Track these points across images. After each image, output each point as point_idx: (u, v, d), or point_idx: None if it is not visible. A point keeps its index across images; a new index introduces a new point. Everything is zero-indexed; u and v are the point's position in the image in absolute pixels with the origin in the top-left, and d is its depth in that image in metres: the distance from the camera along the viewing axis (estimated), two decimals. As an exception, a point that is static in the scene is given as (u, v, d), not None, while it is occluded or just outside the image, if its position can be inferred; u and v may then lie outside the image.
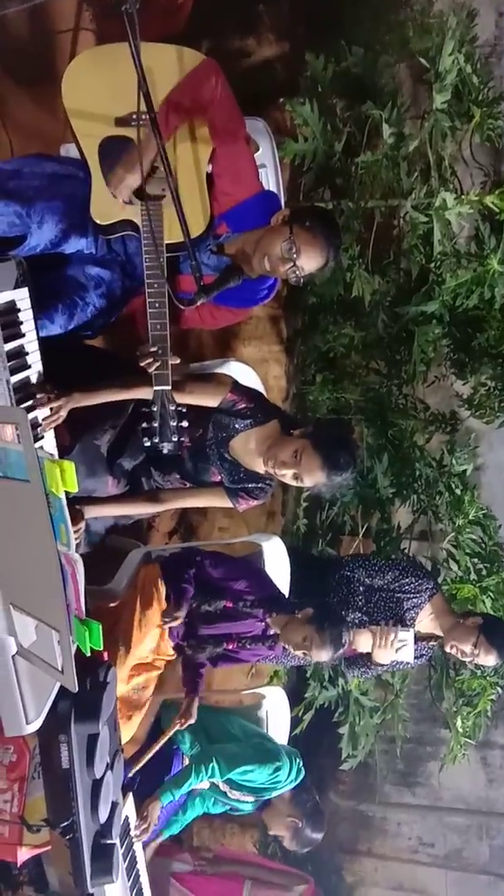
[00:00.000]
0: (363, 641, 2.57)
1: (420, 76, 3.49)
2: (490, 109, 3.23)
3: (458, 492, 3.51)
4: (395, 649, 2.53)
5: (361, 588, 2.69)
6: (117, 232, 1.96)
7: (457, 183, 3.42)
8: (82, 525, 1.97)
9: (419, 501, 3.66)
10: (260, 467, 2.06)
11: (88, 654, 1.31)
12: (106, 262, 2.03)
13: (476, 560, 3.50)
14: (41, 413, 1.78)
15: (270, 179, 2.51)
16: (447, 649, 2.58)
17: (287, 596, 2.58)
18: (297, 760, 2.65)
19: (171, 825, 2.52)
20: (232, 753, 2.53)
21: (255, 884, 2.79)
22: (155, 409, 1.92)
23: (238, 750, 2.55)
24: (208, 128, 1.92)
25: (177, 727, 2.35)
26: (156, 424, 1.93)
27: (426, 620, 2.64)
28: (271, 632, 2.40)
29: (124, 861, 2.06)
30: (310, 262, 1.93)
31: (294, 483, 2.00)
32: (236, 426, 2.05)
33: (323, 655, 2.29)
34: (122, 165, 1.88)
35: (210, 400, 2.04)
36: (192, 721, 2.34)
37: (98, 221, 1.94)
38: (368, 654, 2.62)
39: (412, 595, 2.63)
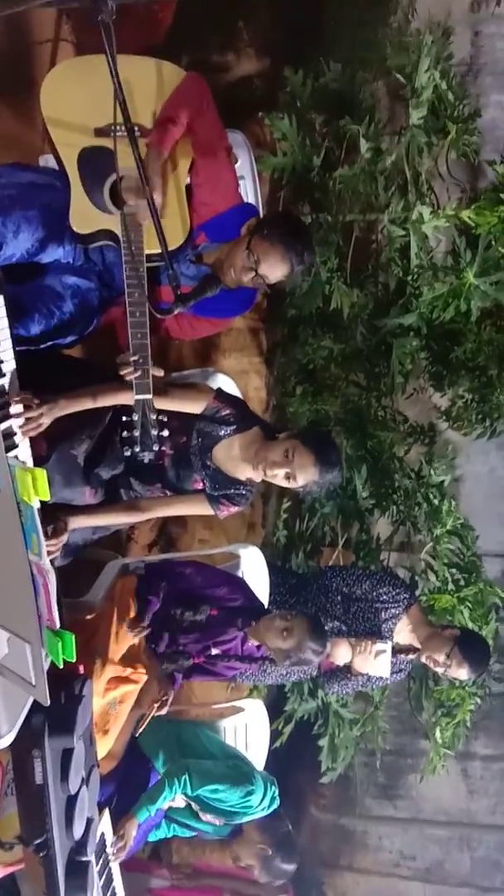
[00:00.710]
0: (341, 653, 2.57)
1: (397, 93, 3.54)
2: (466, 125, 3.28)
3: (436, 502, 3.52)
4: (374, 655, 2.53)
5: (339, 598, 2.70)
6: (96, 241, 1.96)
7: (433, 198, 3.46)
8: (65, 537, 1.95)
9: (398, 512, 3.68)
10: (242, 474, 2.06)
11: (61, 666, 1.29)
12: (83, 271, 2.03)
13: (454, 570, 3.51)
14: (16, 422, 1.76)
15: (249, 191, 2.52)
16: (422, 659, 2.60)
17: (266, 607, 2.57)
18: (273, 788, 2.57)
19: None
20: (205, 769, 2.48)
21: (233, 896, 2.75)
22: (136, 417, 1.91)
23: (211, 767, 2.51)
24: (191, 139, 1.94)
25: (151, 713, 2.28)
26: (136, 433, 1.93)
27: (404, 632, 2.65)
28: (250, 643, 2.39)
29: (100, 878, 2.03)
30: (272, 269, 1.95)
31: (285, 483, 2.00)
32: (220, 433, 2.05)
33: (307, 658, 2.27)
34: (126, 192, 1.86)
35: (193, 406, 2.04)
36: (164, 711, 2.26)
37: (77, 230, 1.93)
38: (346, 667, 2.62)
39: (390, 605, 2.64)
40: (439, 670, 2.59)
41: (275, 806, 2.57)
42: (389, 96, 3.69)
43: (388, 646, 2.55)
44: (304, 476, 1.98)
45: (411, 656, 2.71)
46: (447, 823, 4.83)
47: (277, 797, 2.59)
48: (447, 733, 3.45)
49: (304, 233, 2.07)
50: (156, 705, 2.22)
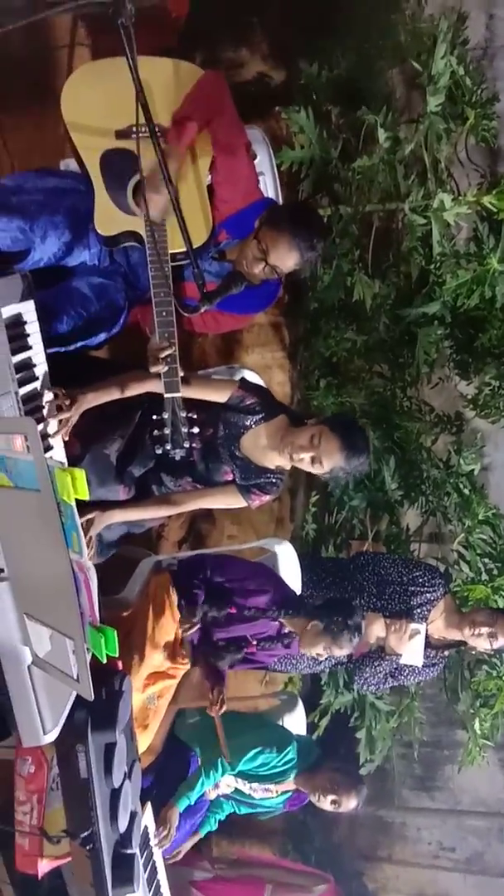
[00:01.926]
0: (376, 630, 2.56)
1: (413, 80, 3.51)
2: (484, 110, 3.25)
3: (466, 492, 3.50)
4: (409, 635, 2.52)
5: (375, 578, 2.71)
6: (121, 243, 1.98)
7: (454, 184, 3.43)
8: (94, 532, 1.98)
9: (427, 503, 3.66)
10: (270, 462, 2.07)
11: (104, 661, 1.31)
12: (109, 273, 2.05)
13: (487, 560, 3.49)
14: (51, 423, 1.79)
15: (269, 187, 2.53)
16: (465, 631, 2.57)
17: (302, 590, 2.59)
18: (309, 739, 2.63)
19: (204, 825, 2.51)
20: (239, 744, 2.52)
21: (276, 887, 2.77)
22: (166, 416, 1.93)
23: (245, 740, 2.55)
24: (211, 137, 1.95)
25: (217, 716, 2.33)
26: (167, 432, 1.94)
27: (438, 621, 2.64)
28: (286, 630, 2.40)
29: (145, 871, 2.06)
30: (280, 258, 1.95)
31: (311, 468, 2.00)
32: (246, 422, 2.06)
33: (345, 652, 2.31)
34: (149, 188, 1.87)
35: (218, 395, 2.05)
36: (224, 709, 2.32)
37: (102, 233, 1.96)
38: (379, 652, 2.62)
39: (425, 590, 2.64)
40: (483, 641, 2.55)
41: (315, 754, 2.62)
42: (405, 84, 3.66)
43: (422, 627, 2.55)
44: (330, 461, 1.97)
45: (445, 652, 2.70)
46: (486, 814, 4.80)
47: (316, 747, 2.66)
48: (486, 724, 3.43)
49: (313, 219, 2.05)
50: (216, 708, 2.27)
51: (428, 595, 2.64)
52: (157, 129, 1.76)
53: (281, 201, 2.54)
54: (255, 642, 2.38)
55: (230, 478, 2.13)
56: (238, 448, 2.09)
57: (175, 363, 1.89)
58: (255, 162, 2.32)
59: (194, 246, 1.91)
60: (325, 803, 2.53)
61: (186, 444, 1.96)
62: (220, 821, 2.67)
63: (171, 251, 1.93)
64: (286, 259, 1.95)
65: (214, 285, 2.00)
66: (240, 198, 2.01)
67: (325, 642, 2.29)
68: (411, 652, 2.57)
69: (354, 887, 4.56)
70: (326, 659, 2.42)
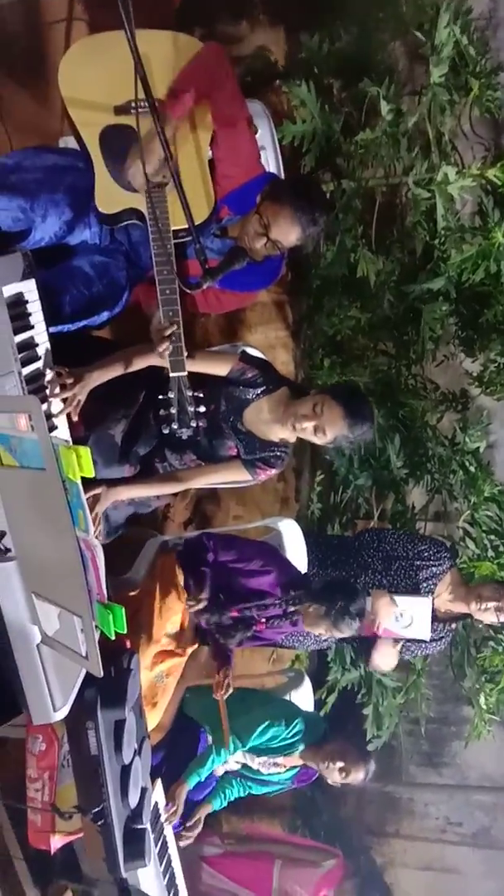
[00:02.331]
0: (382, 605, 2.56)
1: (415, 53, 3.45)
2: (488, 80, 3.19)
3: (472, 469, 3.49)
4: (395, 615, 2.53)
5: (380, 555, 2.71)
6: (122, 221, 1.96)
7: (458, 157, 3.38)
8: (100, 508, 1.98)
9: (433, 481, 3.65)
10: (274, 435, 2.06)
11: (113, 638, 1.32)
12: (110, 251, 2.03)
13: (493, 537, 3.49)
14: (55, 403, 1.79)
15: (270, 161, 2.50)
16: (471, 605, 2.57)
17: (309, 568, 2.59)
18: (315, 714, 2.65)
19: (216, 798, 2.54)
20: (248, 720, 2.54)
21: (286, 862, 2.80)
22: (172, 395, 1.92)
23: (253, 715, 2.57)
24: (211, 111, 1.92)
25: (222, 698, 2.35)
26: (173, 411, 1.93)
27: (444, 595, 2.64)
28: (291, 608, 2.41)
29: (156, 846, 2.08)
30: (282, 233, 1.92)
31: (314, 438, 1.99)
32: (248, 396, 2.05)
33: (345, 634, 2.31)
34: (129, 156, 1.85)
35: (219, 368, 2.04)
36: (231, 690, 2.34)
37: (102, 211, 1.93)
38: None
39: (431, 563, 2.64)
40: (490, 615, 2.56)
41: (323, 728, 2.65)
42: (408, 56, 3.60)
43: (429, 600, 2.55)
44: (333, 430, 1.96)
45: (452, 625, 2.71)
46: (492, 789, 4.84)
47: (323, 722, 2.70)
48: (491, 699, 3.44)
49: (315, 193, 2.02)
50: (221, 692, 2.28)
51: (434, 569, 2.64)
52: (156, 104, 1.73)
53: (283, 176, 2.51)
54: (263, 620, 2.39)
55: (234, 453, 2.12)
56: (241, 422, 2.08)
57: (180, 342, 1.88)
58: (257, 136, 2.28)
59: (196, 222, 1.88)
60: (334, 772, 2.54)
61: (193, 423, 1.95)
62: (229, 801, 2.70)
63: (172, 228, 1.91)
64: (288, 234, 1.92)
65: (217, 262, 1.98)
66: (241, 173, 1.98)
67: (326, 625, 2.30)
68: (419, 626, 2.58)
69: (363, 862, 4.62)
70: (330, 637, 2.43)
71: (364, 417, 1.99)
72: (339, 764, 2.51)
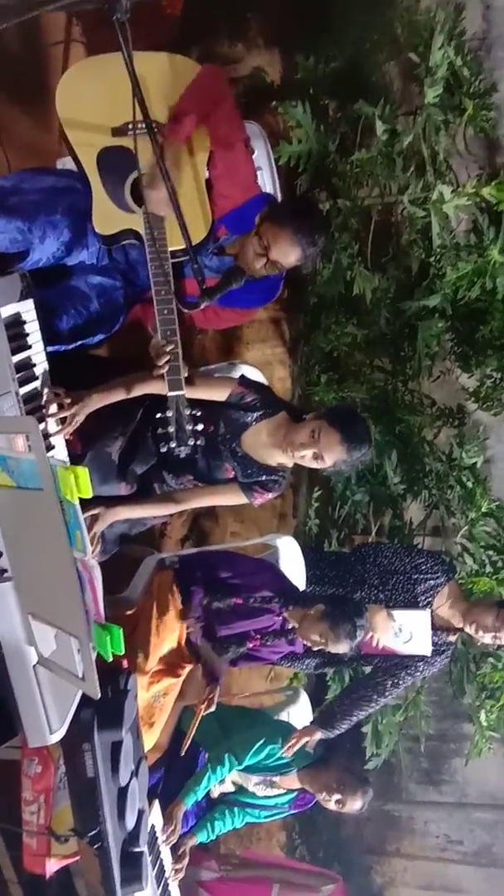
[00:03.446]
0: (380, 622, 2.56)
1: (410, 73, 3.49)
2: (482, 101, 3.23)
3: (469, 485, 3.49)
4: (405, 635, 2.52)
5: (377, 569, 2.70)
6: (120, 241, 1.97)
7: (453, 176, 3.42)
8: (98, 529, 1.98)
9: (430, 496, 3.65)
10: (272, 459, 2.06)
11: (110, 660, 1.31)
12: (108, 270, 2.04)
13: (491, 552, 3.48)
14: (52, 422, 1.79)
15: (267, 182, 2.52)
16: (467, 627, 2.56)
17: (305, 585, 2.58)
18: None
19: (201, 830, 2.51)
20: (245, 738, 2.53)
21: (283, 887, 2.76)
22: (170, 414, 1.92)
23: (250, 732, 2.56)
24: (209, 132, 1.94)
25: (201, 713, 2.33)
26: (171, 430, 1.93)
27: (443, 608, 2.63)
28: (290, 626, 2.40)
29: (153, 869, 2.06)
30: (282, 254, 1.93)
31: (314, 464, 1.99)
32: (246, 420, 2.05)
33: (341, 648, 2.29)
34: (148, 186, 1.86)
35: (218, 393, 2.05)
36: (212, 708, 2.32)
37: (100, 232, 1.95)
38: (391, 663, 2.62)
39: (428, 576, 2.63)
40: (487, 638, 2.54)
41: (319, 750, 2.63)
42: (402, 77, 3.65)
43: (426, 615, 2.54)
44: (331, 455, 1.96)
45: (451, 637, 2.69)
46: (493, 806, 4.81)
47: (320, 744, 2.66)
48: (492, 716, 3.43)
49: (314, 215, 2.04)
50: (202, 706, 2.26)
51: (431, 581, 2.63)
52: (153, 125, 1.75)
53: (279, 196, 2.53)
54: (258, 637, 2.37)
55: (231, 475, 2.13)
56: (239, 445, 2.08)
57: (178, 361, 1.88)
58: (253, 157, 2.30)
59: (193, 242, 1.90)
60: (330, 803, 2.53)
61: (191, 442, 1.95)
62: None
63: (170, 248, 1.92)
64: (288, 255, 1.94)
65: (215, 280, 2.00)
66: (238, 193, 2.00)
67: (323, 628, 2.26)
68: (419, 641, 2.57)
69: (363, 882, 4.58)
70: (322, 649, 2.39)
71: (361, 441, 1.98)
72: (336, 796, 2.50)
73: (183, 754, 2.47)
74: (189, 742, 2.40)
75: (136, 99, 1.66)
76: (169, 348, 1.86)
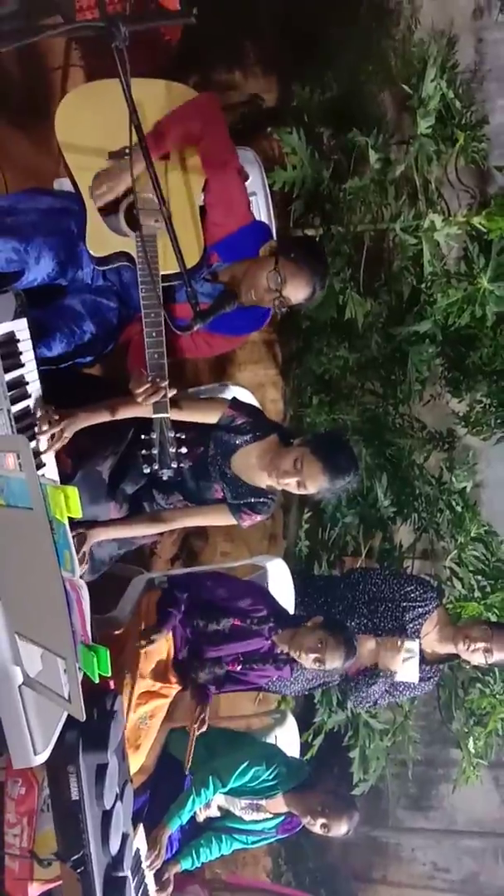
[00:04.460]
0: (367, 649, 2.55)
1: (403, 103, 3.57)
2: (473, 132, 3.30)
3: (458, 509, 3.52)
4: (403, 659, 2.52)
5: (366, 597, 2.70)
6: (113, 263, 1.99)
7: (444, 205, 3.48)
8: (86, 548, 1.98)
9: (420, 520, 3.67)
10: (261, 482, 2.07)
11: (97, 681, 1.30)
12: (102, 291, 2.06)
13: (480, 577, 3.49)
14: (43, 441, 1.79)
15: (261, 208, 2.55)
16: (459, 646, 2.56)
17: (294, 611, 2.57)
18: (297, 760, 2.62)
19: (186, 857, 2.48)
20: (229, 760, 2.51)
21: (268, 912, 2.73)
22: (154, 436, 1.93)
23: (235, 755, 2.54)
24: (202, 159, 1.97)
25: (195, 734, 2.32)
26: (155, 451, 1.94)
27: (431, 634, 2.63)
28: (278, 650, 2.39)
29: (137, 894, 2.03)
30: (296, 292, 1.98)
31: (298, 491, 2.01)
32: (236, 442, 2.06)
33: (337, 660, 2.28)
34: (143, 214, 1.89)
35: (209, 416, 2.06)
36: (204, 728, 2.32)
37: (93, 253, 1.97)
38: (372, 672, 2.61)
39: (417, 604, 2.64)
40: (478, 656, 2.53)
41: (306, 773, 2.61)
42: (396, 107, 3.72)
43: (415, 646, 2.54)
44: (314, 484, 1.98)
45: (439, 666, 2.69)
46: (481, 834, 4.77)
47: (307, 767, 2.67)
48: (480, 742, 3.41)
49: (325, 257, 2.08)
50: (195, 726, 2.24)
51: (420, 609, 2.64)
52: (149, 151, 1.78)
53: (273, 221, 2.56)
54: (241, 660, 2.36)
55: (221, 496, 2.13)
56: (228, 467, 2.09)
57: (164, 383, 1.89)
58: (248, 182, 2.34)
59: (187, 266, 1.92)
60: (316, 826, 2.51)
61: (174, 465, 1.96)
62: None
63: (162, 272, 1.94)
64: (300, 293, 1.98)
65: (206, 305, 2.01)
66: (231, 221, 2.03)
67: (322, 635, 2.27)
68: (407, 669, 2.57)
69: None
70: (316, 668, 2.38)
71: (344, 470, 1.99)
72: (321, 820, 2.48)
73: (172, 776, 2.45)
74: (188, 762, 2.37)
75: (133, 125, 1.69)
76: (155, 373, 1.88)
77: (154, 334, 1.89)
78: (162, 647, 2.28)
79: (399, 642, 2.54)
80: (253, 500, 2.12)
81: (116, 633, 2.30)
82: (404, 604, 2.64)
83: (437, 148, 3.25)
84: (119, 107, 1.69)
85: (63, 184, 2.29)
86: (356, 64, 3.53)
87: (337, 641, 2.27)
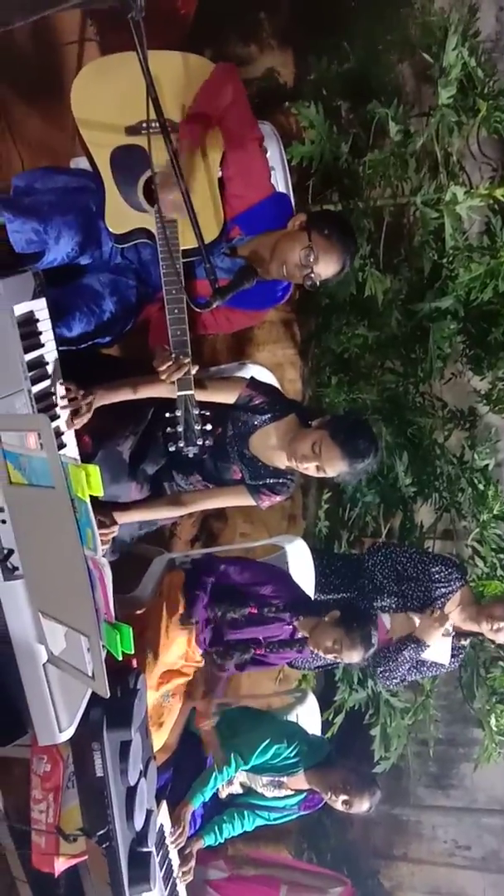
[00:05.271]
0: (401, 625, 2.55)
1: (423, 74, 3.49)
2: (496, 102, 3.21)
3: (480, 487, 3.48)
4: (441, 634, 2.52)
5: (394, 575, 2.70)
6: (132, 240, 1.97)
7: (465, 177, 3.41)
8: (115, 529, 1.98)
9: (441, 499, 3.64)
10: (280, 462, 2.06)
11: (120, 658, 1.30)
12: (121, 269, 2.04)
13: (502, 556, 3.46)
14: (63, 417, 1.79)
15: (280, 182, 2.50)
16: (482, 626, 2.55)
17: (313, 594, 2.57)
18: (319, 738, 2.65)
19: (209, 833, 2.50)
20: (251, 737, 2.54)
21: (292, 887, 2.75)
22: (179, 413, 1.92)
23: (256, 733, 2.56)
24: (223, 131, 1.93)
25: (209, 727, 2.35)
26: (180, 429, 1.93)
27: (455, 613, 2.62)
28: (299, 635, 2.40)
29: (161, 869, 2.05)
30: (327, 268, 1.94)
31: (318, 475, 1.99)
32: (255, 422, 2.05)
33: (354, 657, 2.29)
34: (161, 189, 1.85)
35: (227, 396, 2.04)
36: (215, 720, 2.37)
37: (113, 231, 1.95)
38: (399, 648, 2.61)
39: (442, 584, 2.64)
40: (502, 638, 2.55)
41: (326, 750, 2.63)
42: (416, 78, 3.64)
43: (450, 624, 2.53)
44: (332, 468, 1.96)
45: (463, 642, 2.69)
46: (502, 812, 4.78)
47: (328, 745, 2.69)
48: (502, 721, 3.41)
49: (355, 233, 2.05)
50: (205, 720, 2.33)
51: (443, 589, 2.64)
52: (167, 124, 1.75)
53: (292, 197, 2.52)
54: (265, 644, 2.37)
55: (239, 477, 2.12)
56: (247, 448, 2.08)
57: (187, 360, 1.88)
58: (266, 157, 2.30)
59: (206, 241, 1.89)
60: (337, 803, 2.53)
61: (199, 442, 1.95)
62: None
63: (182, 247, 1.92)
64: (330, 269, 1.95)
65: (226, 281, 1.99)
66: (252, 193, 1.99)
67: (338, 634, 2.28)
68: (440, 647, 2.57)
69: (370, 886, 4.55)
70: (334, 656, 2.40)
71: (362, 454, 1.96)
72: (343, 797, 2.50)
73: (194, 754, 2.48)
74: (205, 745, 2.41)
75: (150, 97, 1.66)
76: (178, 350, 1.86)
77: (176, 311, 1.87)
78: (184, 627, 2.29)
79: (444, 615, 2.54)
80: (272, 481, 2.10)
81: (138, 612, 2.31)
82: (429, 584, 2.64)
83: (458, 119, 3.17)
84: (135, 80, 1.66)
85: (79, 163, 2.26)
86: (374, 34, 3.45)
87: (352, 641, 2.28)
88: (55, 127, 2.56)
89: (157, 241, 1.90)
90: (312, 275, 1.92)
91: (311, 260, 1.90)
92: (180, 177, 1.75)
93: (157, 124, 1.75)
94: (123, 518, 2.06)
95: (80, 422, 1.80)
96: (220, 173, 2.00)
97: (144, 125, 1.87)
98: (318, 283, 1.95)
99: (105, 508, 2.01)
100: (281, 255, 1.93)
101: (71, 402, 1.78)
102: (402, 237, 3.54)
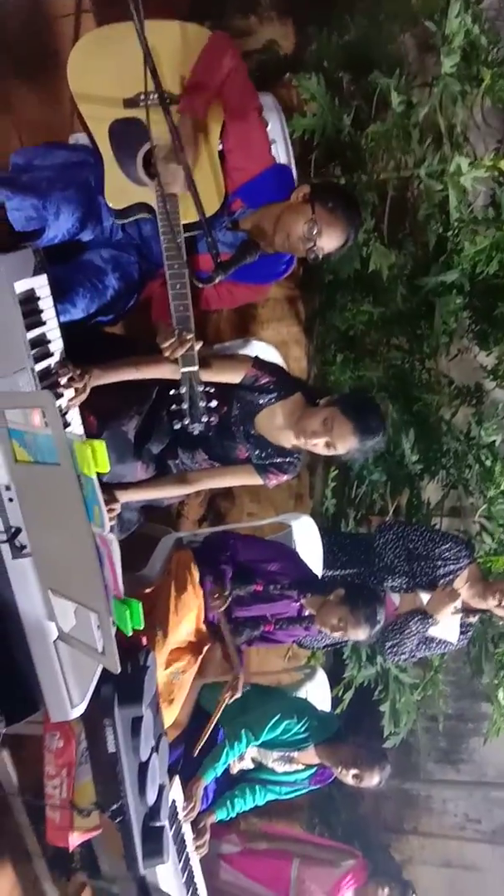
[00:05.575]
0: (409, 603, 2.56)
1: (426, 44, 3.43)
2: (500, 70, 3.16)
3: (488, 463, 3.46)
4: (451, 611, 2.53)
5: (404, 554, 2.70)
6: (133, 215, 1.94)
7: (470, 148, 3.36)
8: (117, 507, 1.98)
9: (448, 476, 3.63)
10: (287, 441, 2.05)
11: (130, 634, 1.31)
12: (122, 245, 2.01)
13: (510, 531, 3.46)
14: (66, 395, 1.78)
15: (281, 154, 2.48)
16: (489, 602, 2.56)
17: (321, 572, 2.57)
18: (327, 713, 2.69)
19: (221, 808, 2.53)
20: (260, 713, 2.56)
21: (304, 861, 2.79)
22: (183, 390, 1.90)
23: (264, 710, 2.58)
24: (222, 102, 1.90)
25: (226, 700, 2.37)
26: (185, 406, 1.91)
27: (462, 589, 2.63)
28: (307, 612, 2.41)
29: (174, 843, 2.08)
30: (330, 241, 1.93)
31: (326, 452, 1.98)
32: (260, 401, 2.03)
33: (360, 634, 2.31)
34: (161, 162, 1.83)
35: (232, 376, 2.02)
36: (238, 695, 2.37)
37: (113, 206, 1.92)
38: (406, 622, 2.61)
39: (451, 562, 2.64)
40: None
41: (336, 726, 2.66)
42: (418, 48, 3.58)
43: (459, 602, 2.53)
44: (343, 445, 1.95)
45: (472, 619, 2.69)
46: (512, 785, 4.82)
47: (337, 720, 2.73)
48: (511, 694, 3.42)
49: (359, 206, 2.03)
50: (227, 695, 2.33)
51: (452, 567, 2.64)
52: (165, 96, 1.72)
53: (293, 169, 2.49)
54: (273, 621, 2.38)
55: (245, 456, 2.11)
56: (253, 427, 2.07)
57: (191, 336, 1.86)
58: (267, 129, 2.27)
59: (207, 214, 1.87)
60: (348, 777, 2.55)
61: (205, 419, 1.94)
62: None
63: (183, 222, 1.89)
64: (334, 242, 1.93)
65: (228, 255, 1.97)
66: (253, 165, 1.96)
67: (343, 612, 2.29)
68: (449, 624, 2.58)
69: (381, 859, 4.60)
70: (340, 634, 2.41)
71: (374, 430, 1.96)
72: (353, 771, 2.53)
73: (199, 722, 2.50)
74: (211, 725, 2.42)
75: (148, 68, 1.63)
76: (181, 325, 1.84)
77: (178, 286, 1.85)
78: (192, 604, 2.29)
79: (453, 592, 2.54)
80: (279, 460, 2.10)
81: (147, 591, 2.31)
82: (438, 562, 2.65)
83: (461, 88, 3.12)
84: (133, 51, 1.63)
85: (79, 139, 2.23)
86: (375, 3, 3.39)
87: (357, 619, 2.29)
88: (52, 102, 2.52)
89: (158, 215, 1.87)
90: (315, 248, 1.90)
91: (315, 233, 1.88)
92: (181, 149, 1.73)
93: (156, 96, 1.72)
94: (130, 496, 2.05)
95: (77, 400, 1.79)
96: (220, 146, 1.97)
97: (143, 97, 1.84)
98: (320, 257, 1.93)
99: (112, 488, 2.00)
100: (284, 227, 1.91)
101: (69, 380, 1.77)
102: (407, 211, 3.50)
